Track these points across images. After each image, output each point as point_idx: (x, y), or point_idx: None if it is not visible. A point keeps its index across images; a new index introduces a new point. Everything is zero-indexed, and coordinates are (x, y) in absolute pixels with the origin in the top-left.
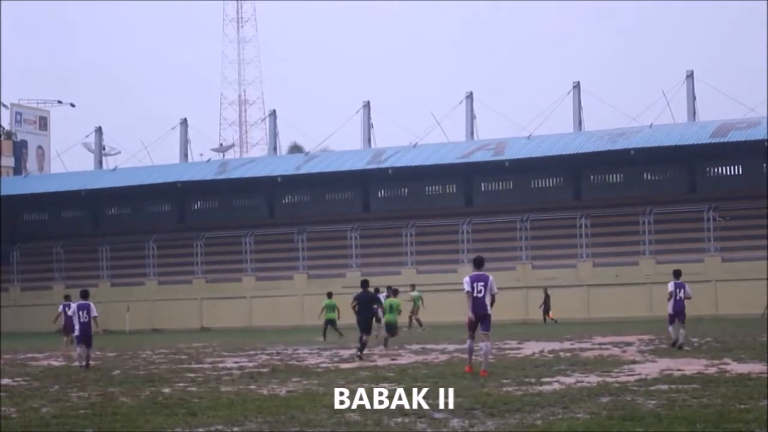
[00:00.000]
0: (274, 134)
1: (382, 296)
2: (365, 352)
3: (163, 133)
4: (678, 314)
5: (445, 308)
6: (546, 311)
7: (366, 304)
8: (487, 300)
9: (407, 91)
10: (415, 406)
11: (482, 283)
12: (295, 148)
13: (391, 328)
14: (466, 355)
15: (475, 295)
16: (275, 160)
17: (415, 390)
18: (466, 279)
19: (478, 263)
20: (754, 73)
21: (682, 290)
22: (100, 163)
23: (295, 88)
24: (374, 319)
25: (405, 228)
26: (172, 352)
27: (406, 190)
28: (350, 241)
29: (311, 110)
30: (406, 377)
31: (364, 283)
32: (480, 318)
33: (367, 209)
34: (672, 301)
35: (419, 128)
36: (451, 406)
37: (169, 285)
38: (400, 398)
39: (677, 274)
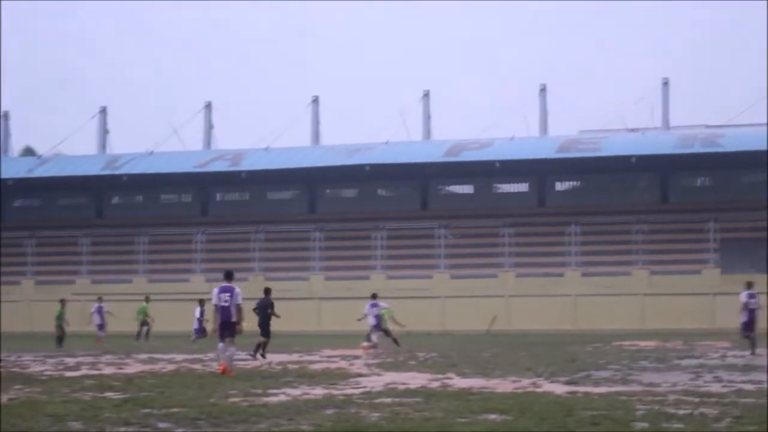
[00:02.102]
0: (6, 136)
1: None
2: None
3: None
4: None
5: (174, 318)
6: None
7: (263, 310)
8: (233, 309)
9: (145, 97)
10: (139, 416)
11: (228, 294)
12: (28, 151)
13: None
14: (217, 358)
15: (221, 304)
16: (6, 163)
17: (140, 399)
18: (215, 290)
19: (228, 276)
20: (491, 93)
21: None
22: None
23: (29, 91)
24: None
25: (138, 236)
26: None
27: (141, 197)
28: (81, 247)
29: (46, 113)
30: (132, 386)
31: (266, 291)
32: (225, 325)
33: (100, 215)
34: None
35: (157, 135)
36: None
37: None
38: (125, 408)
39: (374, 296)
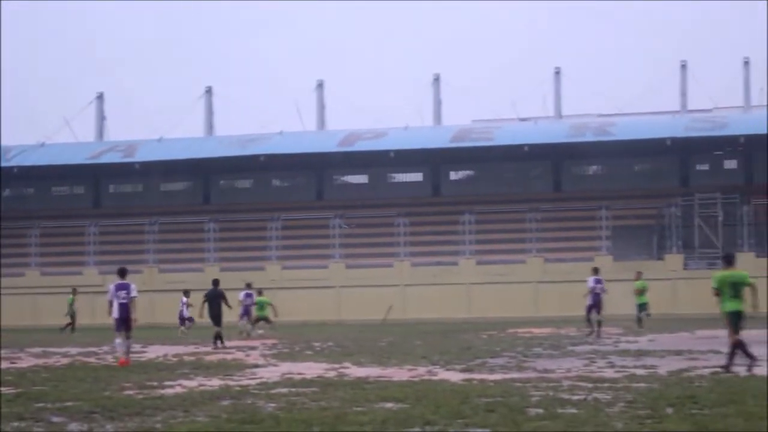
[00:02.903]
0: None
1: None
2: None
3: None
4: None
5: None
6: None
7: (214, 300)
8: (131, 305)
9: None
10: (33, 410)
11: (125, 291)
12: None
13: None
14: (117, 351)
15: (120, 301)
16: None
17: (33, 393)
18: (111, 287)
19: (122, 273)
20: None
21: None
22: None
23: None
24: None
25: (30, 228)
26: None
27: (32, 189)
28: None
29: None
30: (25, 380)
31: (215, 282)
32: (123, 320)
33: None
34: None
35: (48, 127)
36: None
37: None
38: (17, 402)
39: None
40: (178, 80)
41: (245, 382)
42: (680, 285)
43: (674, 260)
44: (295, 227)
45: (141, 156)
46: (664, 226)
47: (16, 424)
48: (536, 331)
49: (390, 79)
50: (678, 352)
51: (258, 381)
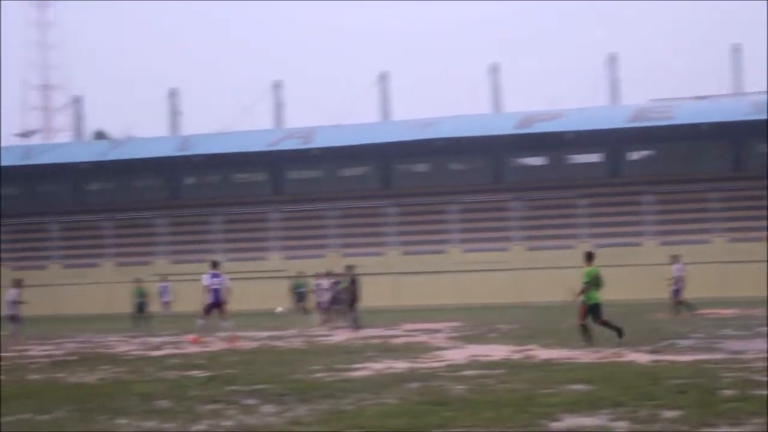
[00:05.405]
0: (78, 120)
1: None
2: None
3: None
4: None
5: (253, 296)
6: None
7: (355, 285)
8: (221, 292)
9: (214, 78)
10: (225, 393)
11: (218, 279)
12: (100, 135)
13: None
14: (202, 333)
15: (213, 287)
16: (80, 147)
17: (225, 376)
18: (206, 276)
19: (215, 265)
20: (559, 65)
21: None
22: None
23: (100, 74)
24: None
25: (214, 215)
26: None
27: (215, 177)
28: (158, 228)
29: (116, 96)
30: (216, 364)
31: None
32: (216, 304)
33: (175, 196)
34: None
35: (227, 115)
36: (262, 391)
37: None
38: (210, 385)
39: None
40: (352, 66)
41: (432, 364)
42: None
43: None
44: (474, 210)
45: (319, 142)
46: None
47: (210, 406)
48: (723, 311)
49: (564, 60)
50: None
51: (445, 363)
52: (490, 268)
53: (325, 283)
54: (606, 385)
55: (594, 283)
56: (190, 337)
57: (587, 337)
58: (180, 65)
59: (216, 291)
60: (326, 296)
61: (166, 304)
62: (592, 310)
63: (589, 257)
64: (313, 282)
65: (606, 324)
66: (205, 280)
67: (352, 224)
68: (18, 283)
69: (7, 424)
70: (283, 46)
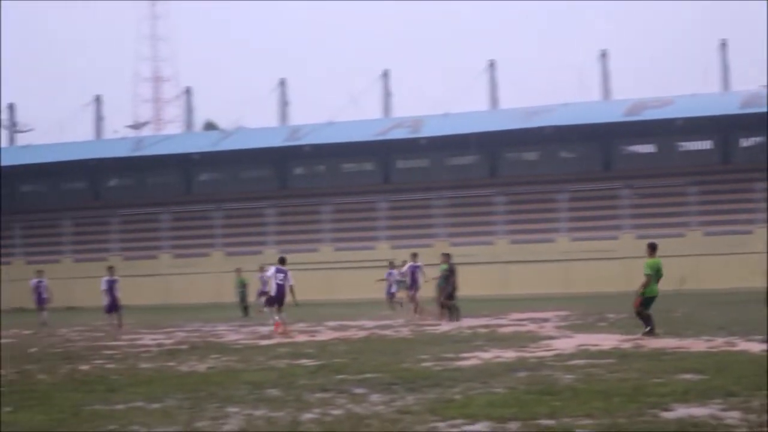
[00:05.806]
0: (189, 111)
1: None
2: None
3: (76, 110)
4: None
5: (362, 285)
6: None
7: (453, 276)
8: (286, 287)
9: (322, 68)
10: (334, 382)
11: (282, 275)
12: (210, 125)
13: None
14: (274, 323)
15: (278, 282)
16: (191, 138)
17: (334, 365)
18: (272, 269)
19: (282, 261)
20: (667, 53)
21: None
22: (12, 140)
23: (209, 65)
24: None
25: (322, 205)
26: (89, 330)
27: (323, 167)
28: (267, 218)
29: (225, 87)
30: (325, 353)
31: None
32: (279, 299)
33: (283, 186)
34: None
35: (334, 105)
36: (370, 380)
37: (85, 262)
38: (319, 374)
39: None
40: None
41: (540, 353)
42: None
43: None
44: (582, 198)
45: (427, 131)
46: None
47: (319, 395)
48: None
49: (674, 45)
50: None
51: (553, 352)
52: (599, 257)
53: (396, 273)
54: (718, 375)
55: (655, 275)
56: (274, 326)
57: (648, 323)
58: (287, 55)
59: (280, 286)
60: (394, 287)
61: (263, 293)
62: (648, 302)
63: (652, 248)
64: (385, 272)
65: (646, 317)
66: (270, 272)
67: (460, 213)
68: (111, 271)
69: (119, 411)
70: (390, 35)
